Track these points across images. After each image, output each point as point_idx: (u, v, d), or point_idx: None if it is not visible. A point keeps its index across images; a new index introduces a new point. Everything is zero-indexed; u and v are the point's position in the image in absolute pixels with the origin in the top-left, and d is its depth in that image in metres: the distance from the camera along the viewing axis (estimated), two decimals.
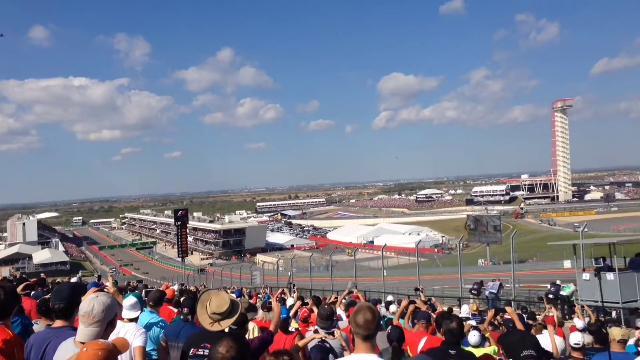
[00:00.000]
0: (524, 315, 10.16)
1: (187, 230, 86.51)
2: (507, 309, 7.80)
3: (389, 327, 5.79)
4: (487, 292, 18.86)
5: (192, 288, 20.24)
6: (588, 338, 5.98)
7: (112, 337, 2.93)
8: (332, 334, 5.09)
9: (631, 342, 6.42)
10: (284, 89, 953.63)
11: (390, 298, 12.97)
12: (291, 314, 6.77)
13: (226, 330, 3.84)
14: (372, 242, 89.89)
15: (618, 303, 14.97)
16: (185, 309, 5.17)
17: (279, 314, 5.14)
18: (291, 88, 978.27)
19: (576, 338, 5.52)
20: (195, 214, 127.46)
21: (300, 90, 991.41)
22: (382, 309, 10.65)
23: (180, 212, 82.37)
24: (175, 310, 7.06)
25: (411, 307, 7.97)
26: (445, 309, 10.58)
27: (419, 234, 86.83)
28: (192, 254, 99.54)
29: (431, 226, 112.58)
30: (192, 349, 3.87)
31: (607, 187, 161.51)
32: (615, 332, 5.42)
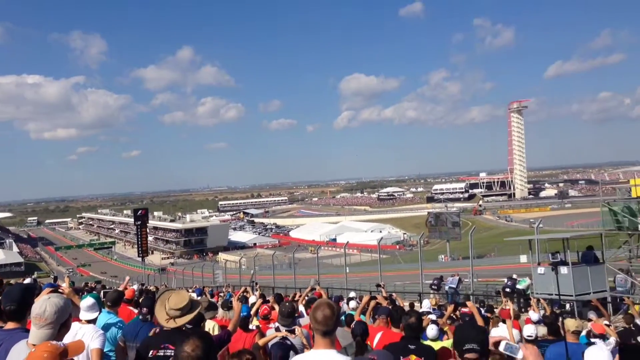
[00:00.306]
0: (481, 309, 10.41)
1: (148, 230, 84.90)
2: (468, 303, 7.98)
3: (354, 323, 5.86)
4: (446, 287, 19.23)
5: (152, 288, 19.87)
6: (543, 330, 6.16)
7: (70, 338, 2.85)
8: (293, 331, 5.09)
9: (584, 333, 6.66)
10: (245, 89, 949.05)
11: (352, 294, 13.08)
12: (252, 312, 6.74)
13: (183, 328, 3.78)
14: (334, 239, 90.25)
15: (572, 296, 15.48)
16: (145, 308, 5.08)
17: (238, 313, 5.11)
18: (253, 87, 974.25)
19: (529, 330, 5.69)
20: (155, 213, 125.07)
21: (261, 89, 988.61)
22: (344, 306, 10.72)
23: (140, 212, 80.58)
24: (135, 310, 6.94)
25: (372, 303, 8.06)
26: (407, 304, 10.76)
27: (381, 232, 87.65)
28: (152, 253, 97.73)
29: (393, 223, 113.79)
30: (152, 351, 3.71)
31: (561, 185, 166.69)
32: (569, 324, 5.58)
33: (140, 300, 6.54)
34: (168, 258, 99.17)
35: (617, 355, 2.82)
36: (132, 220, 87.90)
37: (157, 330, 4.12)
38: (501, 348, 2.71)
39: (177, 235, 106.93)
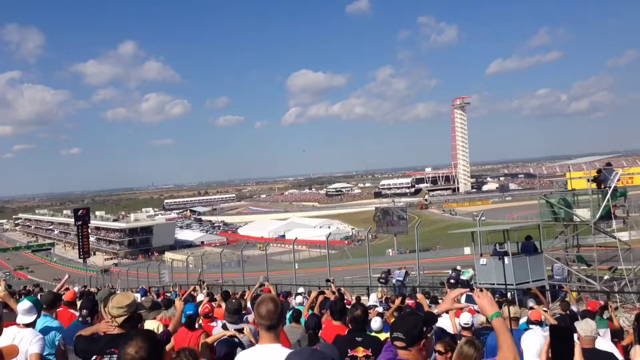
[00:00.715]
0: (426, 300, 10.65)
1: (89, 230, 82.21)
2: (418, 295, 8.15)
3: (307, 316, 5.89)
4: (393, 280, 19.56)
5: (93, 289, 19.24)
6: (482, 318, 6.36)
7: (8, 343, 2.72)
8: (242, 330, 5.04)
9: (524, 320, 6.92)
10: (191, 85, 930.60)
11: (301, 290, 13.10)
12: (200, 310, 6.64)
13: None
14: (283, 236, 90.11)
15: (512, 285, 16.09)
16: (85, 310, 4.91)
17: (180, 312, 5.01)
18: (199, 83, 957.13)
19: (465, 318, 5.86)
20: (97, 213, 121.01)
21: (208, 85, 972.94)
22: (292, 301, 10.73)
23: (80, 212, 78.17)
24: (77, 313, 6.69)
25: (320, 298, 8.12)
26: (354, 298, 10.88)
27: (329, 227, 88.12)
28: (94, 254, 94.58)
29: (341, 219, 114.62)
30: (95, 356, 3.51)
31: (502, 179, 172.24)
32: (504, 311, 5.79)
33: (80, 302, 6.31)
34: (111, 259, 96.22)
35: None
36: (73, 220, 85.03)
37: (100, 332, 3.93)
38: (463, 301, 2.83)
39: (120, 235, 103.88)
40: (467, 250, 37.47)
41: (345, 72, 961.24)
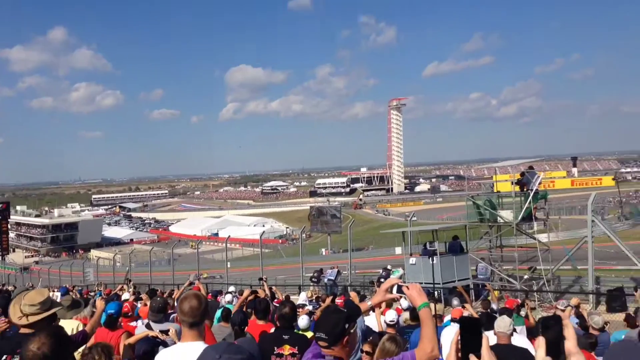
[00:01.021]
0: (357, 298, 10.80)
1: (9, 226, 77.60)
2: (351, 293, 8.25)
3: (233, 313, 5.83)
4: (325, 280, 19.74)
5: (10, 288, 18.21)
6: (406, 315, 6.54)
7: None
8: (167, 331, 4.90)
9: (448, 318, 7.15)
10: (124, 75, 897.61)
11: (231, 289, 12.95)
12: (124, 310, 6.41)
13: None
14: (216, 234, 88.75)
15: (439, 284, 16.61)
16: None
17: (99, 312, 4.82)
18: (133, 74, 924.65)
19: (390, 316, 6.01)
20: (18, 208, 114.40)
21: (142, 77, 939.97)
22: (222, 300, 10.58)
23: (0, 205, 73.63)
24: None
25: (251, 297, 8.07)
26: (284, 297, 10.88)
27: (264, 226, 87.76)
28: (14, 251, 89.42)
29: (276, 217, 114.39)
30: (5, 356, 3.35)
31: (433, 180, 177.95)
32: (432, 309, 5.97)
33: None
34: (32, 256, 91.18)
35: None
36: None
37: (6, 330, 3.72)
38: (395, 291, 2.89)
39: (43, 232, 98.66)
40: (398, 250, 38.33)
41: (285, 69, 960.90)
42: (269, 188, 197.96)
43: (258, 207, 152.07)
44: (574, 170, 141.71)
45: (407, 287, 2.81)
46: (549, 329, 1.83)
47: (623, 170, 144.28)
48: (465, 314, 8.11)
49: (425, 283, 16.76)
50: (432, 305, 6.06)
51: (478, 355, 1.80)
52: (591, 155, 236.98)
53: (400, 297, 2.96)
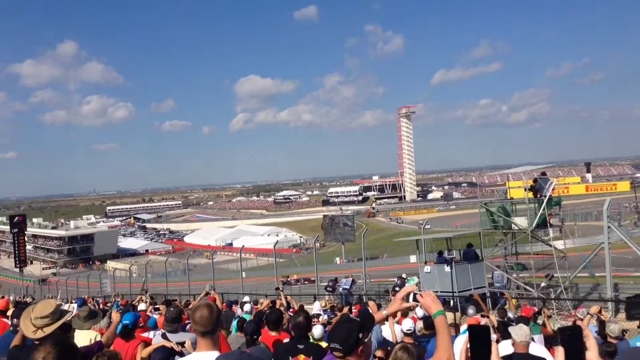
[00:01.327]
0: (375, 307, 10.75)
1: (26, 238, 78.48)
2: (370, 303, 8.23)
3: (245, 323, 5.83)
4: (340, 289, 19.67)
5: (29, 299, 18.38)
6: (420, 324, 6.50)
7: None
8: (184, 343, 4.92)
9: (465, 327, 7.08)
10: (136, 87, 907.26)
11: (246, 299, 12.95)
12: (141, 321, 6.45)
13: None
14: (231, 244, 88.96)
15: (455, 292, 16.47)
16: (15, 319, 4.74)
17: (116, 323, 4.86)
18: (144, 87, 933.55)
19: (407, 325, 5.97)
20: (35, 220, 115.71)
21: (153, 89, 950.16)
22: (237, 310, 10.59)
23: (17, 218, 74.46)
24: (9, 322, 6.45)
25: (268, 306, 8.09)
26: (297, 306, 10.86)
27: (277, 235, 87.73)
28: (32, 263, 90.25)
29: (289, 227, 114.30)
30: None
31: (446, 187, 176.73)
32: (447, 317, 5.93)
33: (11, 312, 6.05)
34: (50, 268, 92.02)
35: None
36: (8, 227, 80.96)
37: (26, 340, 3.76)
38: (410, 300, 2.91)
39: (59, 244, 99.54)
40: (412, 259, 38.01)
41: (294, 79, 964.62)
42: (282, 197, 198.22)
43: (271, 216, 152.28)
44: (588, 175, 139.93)
45: (421, 295, 2.81)
46: (569, 339, 1.82)
47: (638, 175, 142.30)
48: (484, 322, 8.04)
49: (440, 291, 16.66)
50: (448, 314, 6.04)
51: None
52: (604, 160, 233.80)
53: (416, 305, 2.96)
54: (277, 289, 11.96)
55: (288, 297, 13.14)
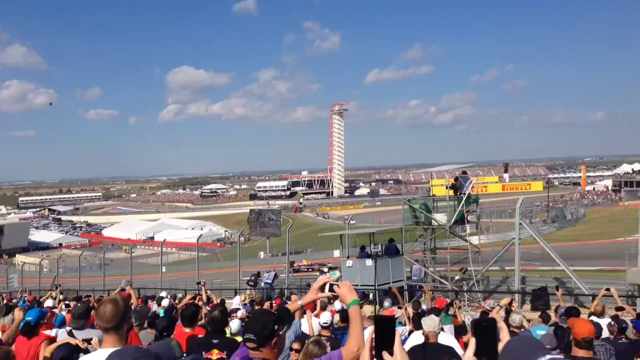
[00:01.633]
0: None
1: None
2: (293, 297, 8.24)
3: (158, 319, 5.69)
4: (262, 283, 19.61)
5: None
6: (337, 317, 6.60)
7: None
8: (90, 340, 4.71)
9: None
10: (60, 73, 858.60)
11: (163, 294, 12.65)
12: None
13: None
14: (152, 237, 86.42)
15: (374, 286, 16.86)
16: None
17: (18, 321, 4.59)
18: (69, 73, 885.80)
19: (324, 318, 6.05)
20: None
21: (78, 76, 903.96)
22: (153, 306, 10.32)
23: None
24: None
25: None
26: (218, 300, 10.74)
27: (202, 229, 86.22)
28: None
29: (215, 221, 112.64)
30: None
31: (373, 184, 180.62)
32: (365, 310, 6.06)
33: None
34: None
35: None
36: None
37: None
38: (327, 290, 2.88)
39: None
40: (336, 253, 38.64)
41: (228, 72, 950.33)
42: (209, 191, 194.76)
43: (197, 210, 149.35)
44: (506, 175, 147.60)
45: (337, 285, 2.83)
46: (484, 331, 1.90)
47: (550, 176, 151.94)
48: (399, 314, 8.29)
49: (361, 285, 17.01)
50: (368, 307, 6.17)
51: (391, 353, 1.85)
52: (521, 161, 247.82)
53: (332, 295, 2.99)
54: (199, 283, 11.74)
55: (208, 291, 12.95)
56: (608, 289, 8.36)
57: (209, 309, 7.74)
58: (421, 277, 18.70)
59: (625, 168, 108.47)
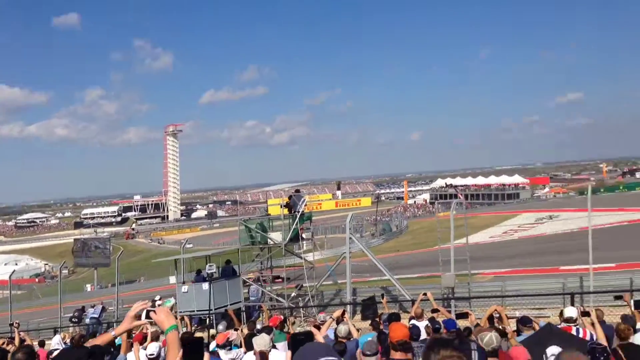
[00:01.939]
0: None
1: None
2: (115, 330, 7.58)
3: None
4: (87, 319, 18.02)
5: None
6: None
7: None
8: None
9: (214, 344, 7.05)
10: None
11: None
12: None
13: None
14: None
15: (210, 310, 16.46)
16: None
17: None
18: None
19: (151, 349, 5.74)
20: None
21: None
22: None
23: None
24: None
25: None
26: (37, 342, 9.68)
27: (16, 264, 77.11)
28: None
29: (33, 254, 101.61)
30: None
31: (210, 206, 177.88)
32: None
33: None
34: None
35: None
36: None
37: None
38: (143, 317, 2.88)
39: None
40: (172, 279, 37.12)
41: (47, 90, 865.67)
42: (25, 221, 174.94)
43: (10, 242, 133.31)
44: (338, 192, 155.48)
45: (154, 311, 2.74)
46: (301, 344, 1.91)
47: (378, 191, 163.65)
48: (234, 337, 8.15)
49: (197, 310, 16.50)
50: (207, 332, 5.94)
51: None
52: (352, 179, 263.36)
53: (147, 323, 2.87)
54: (12, 325, 10.49)
55: (22, 333, 11.56)
56: (425, 294, 9.14)
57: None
58: (259, 296, 18.71)
59: (440, 182, 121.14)
